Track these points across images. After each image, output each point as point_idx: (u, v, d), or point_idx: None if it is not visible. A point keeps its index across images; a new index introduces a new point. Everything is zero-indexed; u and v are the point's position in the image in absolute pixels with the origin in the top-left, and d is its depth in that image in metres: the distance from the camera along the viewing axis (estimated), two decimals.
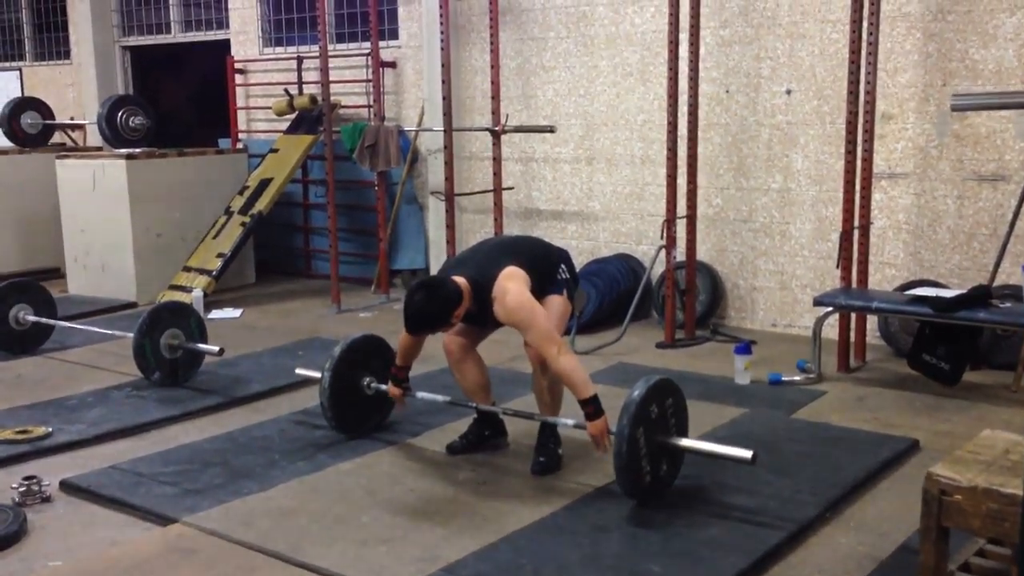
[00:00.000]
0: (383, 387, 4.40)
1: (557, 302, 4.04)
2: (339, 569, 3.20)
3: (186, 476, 4.04)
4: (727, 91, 6.49)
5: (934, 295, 4.97)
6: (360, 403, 4.46)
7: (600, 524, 3.52)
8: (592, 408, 3.74)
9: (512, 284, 3.83)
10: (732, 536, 3.40)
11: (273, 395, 5.22)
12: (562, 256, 4.20)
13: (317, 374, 4.52)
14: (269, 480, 3.99)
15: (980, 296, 4.90)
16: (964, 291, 5.00)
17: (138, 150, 8.06)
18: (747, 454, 3.58)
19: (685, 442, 3.73)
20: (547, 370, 3.91)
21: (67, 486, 3.97)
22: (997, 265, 5.33)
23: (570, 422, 3.93)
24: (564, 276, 4.12)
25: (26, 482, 3.84)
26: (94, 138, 9.75)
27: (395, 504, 3.75)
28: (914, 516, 2.90)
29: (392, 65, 8.13)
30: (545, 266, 4.07)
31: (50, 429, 4.59)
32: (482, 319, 3.98)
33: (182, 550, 3.36)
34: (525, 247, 4.17)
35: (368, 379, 4.44)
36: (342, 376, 4.38)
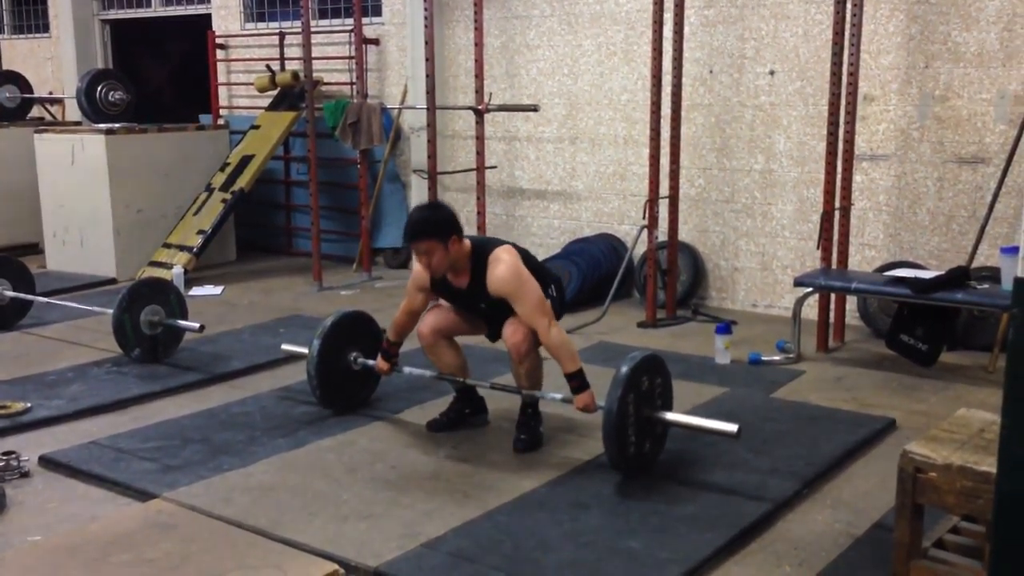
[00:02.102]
0: (370, 362, 4.40)
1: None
2: (319, 545, 3.21)
3: (166, 452, 4.03)
4: (711, 71, 6.49)
5: (913, 276, 5.00)
6: (346, 378, 4.46)
7: (580, 501, 3.54)
8: (578, 382, 3.79)
9: (508, 256, 3.87)
10: (710, 512, 3.43)
11: (254, 372, 5.21)
12: (555, 278, 4.19)
13: (304, 349, 4.52)
14: (249, 456, 3.99)
15: (958, 278, 4.94)
16: (942, 273, 5.03)
17: (117, 125, 7.99)
18: (732, 428, 3.63)
19: (671, 416, 3.76)
20: (524, 360, 3.93)
21: (46, 461, 3.96)
22: (976, 247, 5.38)
23: (557, 395, 3.95)
24: (553, 294, 4.08)
25: (4, 457, 3.83)
26: (73, 112, 9.66)
27: (376, 480, 3.76)
28: (890, 494, 2.93)
29: (375, 42, 8.07)
30: (538, 275, 4.04)
31: (29, 404, 4.57)
32: (473, 292, 3.96)
33: (162, 525, 3.36)
34: (522, 251, 4.15)
35: (355, 354, 4.43)
36: (330, 351, 4.37)
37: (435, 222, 3.86)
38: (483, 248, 3.93)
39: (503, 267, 3.83)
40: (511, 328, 3.92)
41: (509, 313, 3.94)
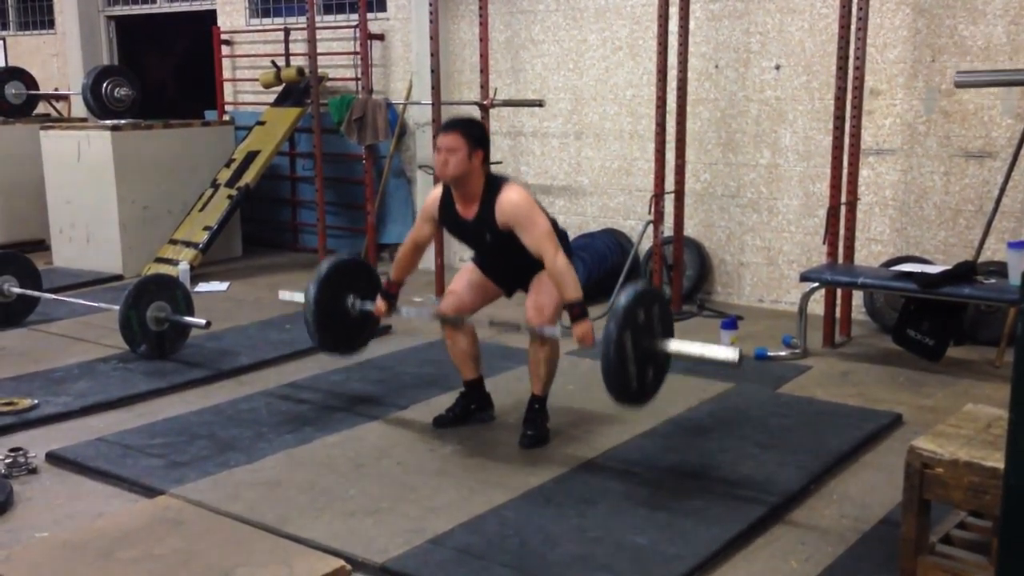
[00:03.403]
0: (368, 306, 4.35)
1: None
2: (326, 541, 3.22)
3: (173, 448, 4.04)
4: (716, 66, 6.47)
5: (919, 271, 4.99)
6: (345, 323, 4.40)
7: (586, 496, 3.54)
8: (579, 311, 3.78)
9: (520, 189, 3.92)
10: (717, 508, 3.43)
11: (260, 368, 5.22)
12: (559, 232, 4.16)
13: (302, 296, 4.45)
14: (256, 452, 3.99)
15: (965, 272, 4.92)
16: (949, 267, 5.02)
17: (123, 121, 7.99)
18: (733, 355, 3.56)
19: (671, 345, 3.70)
20: (545, 342, 3.94)
21: (53, 458, 3.97)
22: (982, 241, 5.36)
23: (556, 330, 3.93)
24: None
25: (12, 454, 3.84)
26: (79, 109, 9.65)
27: (383, 476, 3.76)
28: (897, 489, 2.93)
29: (380, 38, 8.07)
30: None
31: (36, 401, 4.58)
32: (480, 222, 3.93)
33: (169, 521, 3.36)
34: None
35: (353, 299, 4.38)
36: (327, 293, 4.31)
37: (471, 126, 3.97)
38: (496, 181, 3.95)
39: (515, 195, 3.86)
40: (533, 310, 3.94)
41: (516, 254, 3.91)
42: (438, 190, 4.10)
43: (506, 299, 4.31)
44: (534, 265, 3.97)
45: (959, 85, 5.16)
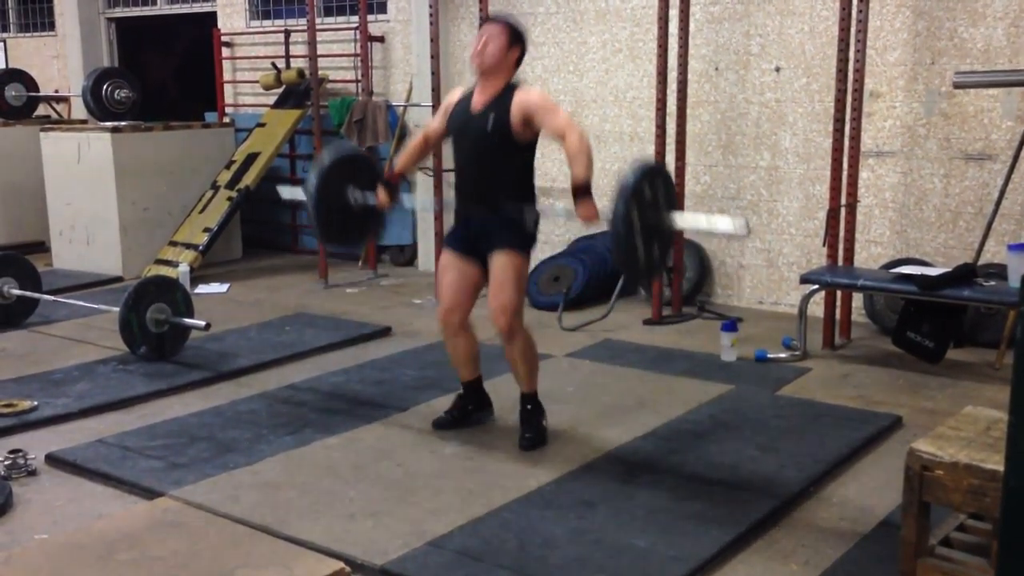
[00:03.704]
0: (371, 198, 4.30)
1: (516, 262, 3.96)
2: (325, 543, 3.21)
3: (173, 450, 4.04)
4: (716, 68, 6.48)
5: (919, 273, 4.99)
6: (347, 216, 4.35)
7: (586, 499, 3.54)
8: (584, 189, 3.77)
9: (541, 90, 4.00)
10: (716, 510, 3.43)
11: (260, 370, 5.22)
12: (537, 209, 4.12)
13: (302, 193, 4.41)
14: (256, 454, 3.99)
15: (965, 274, 4.92)
16: (949, 269, 5.02)
17: (123, 123, 8.00)
18: (737, 225, 3.56)
19: (676, 220, 3.71)
20: (513, 341, 3.94)
21: (53, 459, 3.97)
22: (982, 244, 5.36)
23: (560, 206, 3.94)
24: (530, 229, 4.03)
25: (11, 455, 3.84)
26: (79, 111, 9.66)
27: (382, 479, 3.76)
28: (896, 492, 2.93)
29: (380, 39, 8.07)
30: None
31: (35, 403, 4.58)
32: (486, 112, 3.91)
33: (168, 523, 3.36)
34: None
35: (355, 192, 4.33)
36: (329, 184, 4.26)
37: (518, 25, 4.00)
38: (518, 83, 3.98)
39: (537, 90, 3.95)
40: (497, 312, 3.91)
41: (502, 157, 3.91)
42: (460, 89, 4.16)
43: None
44: (509, 183, 3.95)
45: (957, 86, 5.17)
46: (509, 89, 3.93)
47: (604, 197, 7.17)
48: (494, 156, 3.94)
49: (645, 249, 3.60)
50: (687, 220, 3.69)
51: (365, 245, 4.54)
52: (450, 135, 4.15)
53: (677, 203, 3.82)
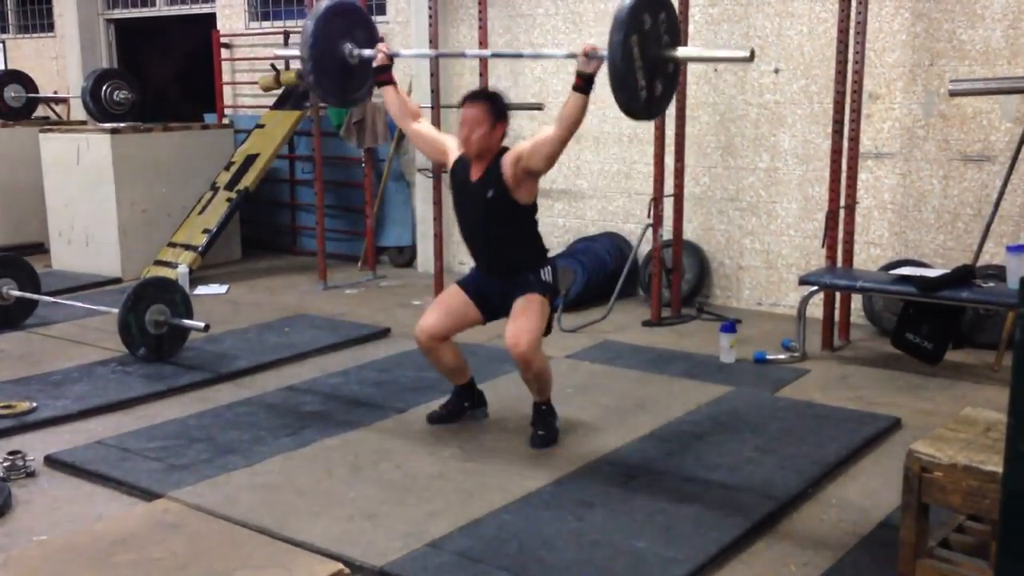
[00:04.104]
0: (366, 52, 4.28)
1: (537, 302, 4.01)
2: (324, 544, 3.21)
3: (172, 451, 4.03)
4: (715, 69, 6.48)
5: (918, 275, 4.99)
6: (342, 68, 4.33)
7: (585, 500, 3.54)
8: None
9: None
10: (716, 511, 3.43)
11: (259, 371, 5.22)
12: (551, 261, 4.19)
13: (297, 52, 4.39)
14: (255, 455, 3.99)
15: (964, 276, 4.93)
16: (948, 271, 5.02)
17: (123, 124, 7.99)
18: (743, 52, 3.48)
19: (681, 51, 3.61)
20: (531, 366, 3.93)
21: (52, 461, 3.97)
22: (981, 245, 5.36)
23: (560, 52, 3.90)
24: (547, 279, 4.10)
25: (10, 457, 3.84)
26: (78, 112, 9.67)
27: (381, 480, 3.76)
28: (895, 493, 2.93)
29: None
30: (541, 253, 4.15)
31: (34, 404, 4.58)
32: (484, 181, 3.98)
33: (168, 525, 3.36)
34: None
35: (351, 46, 4.30)
36: (324, 35, 4.23)
37: (496, 99, 4.02)
38: (505, 148, 4.02)
39: (515, 147, 3.97)
40: (513, 338, 3.90)
41: (507, 221, 3.97)
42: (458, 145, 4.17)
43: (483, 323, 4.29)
44: (520, 249, 4.02)
45: (953, 94, 5.17)
46: (498, 157, 3.98)
47: (602, 198, 7.17)
48: (499, 223, 4.02)
49: (647, 85, 3.51)
50: (691, 51, 3.56)
51: (360, 100, 4.52)
52: (452, 191, 4.21)
53: (680, 36, 3.66)
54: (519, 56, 4.49)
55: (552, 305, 4.12)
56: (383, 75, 4.27)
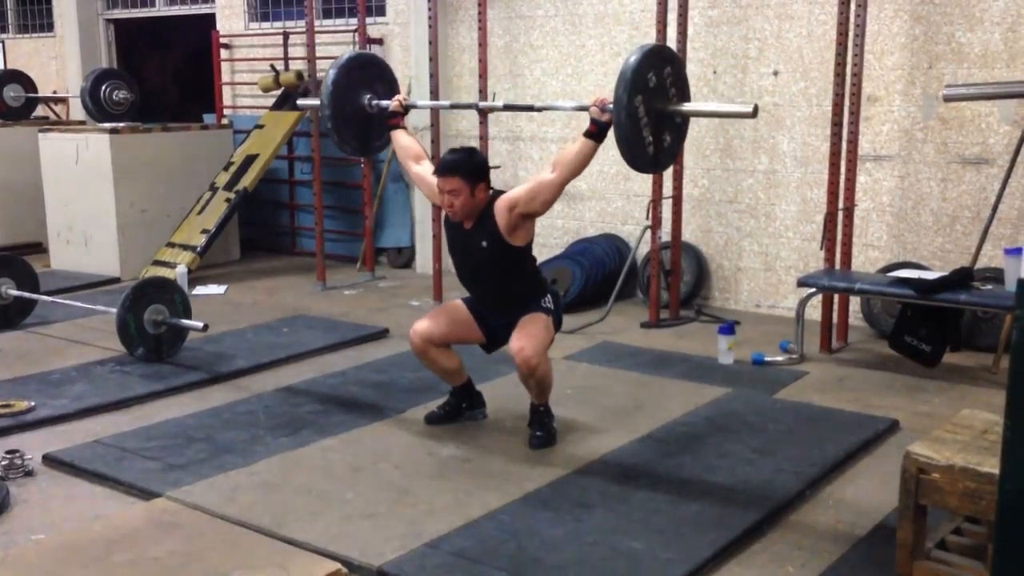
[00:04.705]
0: (384, 103, 4.44)
1: (542, 318, 4.04)
2: (322, 544, 3.21)
3: (170, 451, 4.03)
4: (714, 72, 6.49)
5: (916, 277, 5.00)
6: (361, 119, 4.48)
7: (583, 501, 3.54)
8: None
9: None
10: (713, 513, 3.43)
11: (257, 371, 5.22)
12: (553, 291, 4.20)
13: (317, 101, 4.54)
14: (253, 455, 3.99)
15: (962, 278, 4.93)
16: (946, 273, 5.03)
17: (122, 124, 7.99)
18: (747, 108, 3.52)
19: (686, 106, 3.65)
20: (535, 371, 3.94)
21: (50, 460, 3.97)
22: (979, 248, 5.37)
23: (569, 104, 3.93)
24: (549, 305, 4.11)
25: (9, 456, 3.84)
26: (77, 112, 9.67)
27: (379, 480, 3.76)
28: (893, 494, 2.93)
29: (379, 42, 8.08)
30: (539, 282, 4.16)
31: (33, 403, 4.57)
32: (477, 230, 3.99)
33: (165, 524, 3.36)
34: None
35: (370, 96, 4.46)
36: (344, 86, 4.38)
37: (469, 163, 3.95)
38: (495, 195, 4.01)
39: (508, 193, 3.96)
40: (518, 343, 3.91)
41: (505, 268, 3.99)
42: None
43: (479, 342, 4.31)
44: (519, 287, 4.03)
45: (948, 99, 5.18)
46: (489, 205, 3.98)
47: (601, 200, 7.18)
48: (496, 268, 4.04)
49: (655, 139, 3.53)
50: (697, 106, 3.62)
51: (379, 150, 4.63)
52: (445, 234, 4.21)
53: (688, 90, 3.70)
54: (530, 109, 4.61)
55: (557, 327, 4.12)
56: (395, 119, 4.42)
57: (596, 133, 3.71)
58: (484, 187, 3.96)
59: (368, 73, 4.54)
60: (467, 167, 3.93)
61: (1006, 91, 5.13)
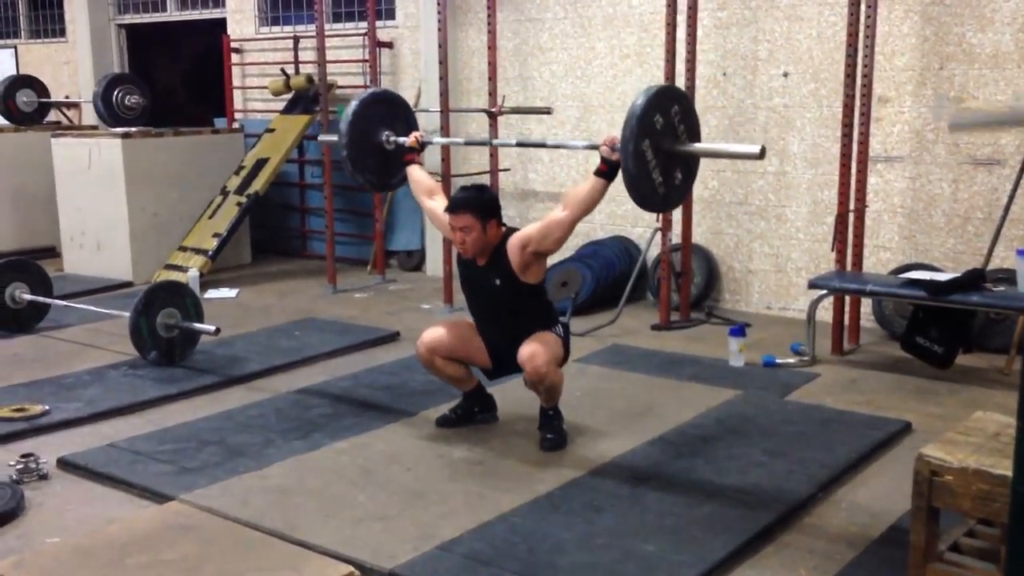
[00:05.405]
0: (402, 139, 4.51)
1: (552, 335, 4.06)
2: (335, 547, 3.22)
3: (183, 454, 4.05)
4: (724, 73, 6.48)
5: (928, 278, 4.99)
6: (379, 155, 4.55)
7: (594, 503, 3.54)
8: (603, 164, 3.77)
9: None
10: (725, 515, 3.43)
11: (269, 375, 5.23)
12: (562, 322, 4.21)
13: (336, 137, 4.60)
14: (265, 458, 4.01)
15: (974, 280, 4.92)
16: (958, 275, 5.02)
17: (134, 129, 8.04)
18: (755, 149, 3.51)
19: (695, 147, 3.65)
20: (544, 379, 3.95)
21: (64, 464, 3.99)
22: (991, 249, 5.35)
23: (580, 144, 3.91)
24: (560, 333, 4.13)
25: (23, 460, 3.86)
26: (89, 117, 9.72)
27: (391, 483, 3.77)
28: (905, 497, 2.93)
29: (389, 45, 8.10)
30: (549, 312, 4.19)
31: (47, 407, 4.60)
32: (490, 266, 4.01)
33: (179, 527, 3.38)
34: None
35: (388, 133, 4.53)
36: (363, 122, 4.46)
37: (480, 200, 3.98)
38: (508, 233, 4.03)
39: (520, 231, 3.98)
40: (528, 350, 3.92)
41: (516, 305, 4.01)
42: None
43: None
44: (531, 324, 4.04)
45: (953, 130, 5.18)
46: (503, 243, 3.99)
47: (611, 202, 7.18)
48: (508, 305, 4.06)
49: (664, 179, 3.54)
50: (705, 147, 3.62)
51: (397, 186, 4.68)
52: (458, 270, 4.22)
53: (697, 125, 3.71)
54: (543, 146, 4.68)
55: (565, 353, 4.13)
56: (411, 155, 4.48)
57: (607, 172, 3.74)
58: (496, 224, 3.99)
59: (388, 110, 4.58)
60: (478, 204, 3.96)
61: (1012, 118, 5.11)
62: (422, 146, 4.53)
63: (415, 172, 4.47)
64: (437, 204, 4.29)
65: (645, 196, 3.56)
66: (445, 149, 6.83)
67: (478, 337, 4.21)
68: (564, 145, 4.38)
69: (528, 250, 3.93)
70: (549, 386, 3.99)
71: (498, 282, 4.01)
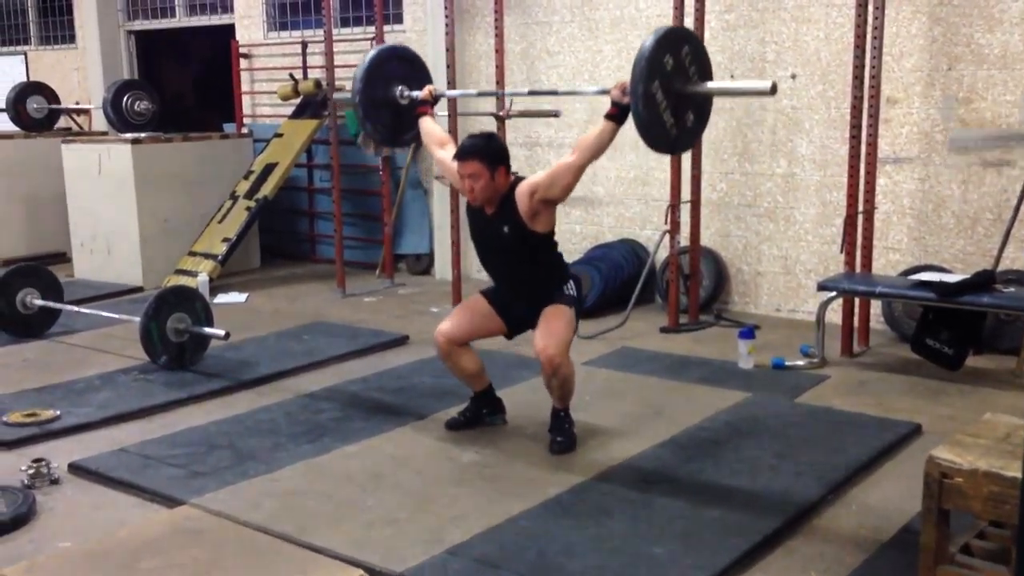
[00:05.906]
0: (416, 93, 4.52)
1: (566, 311, 4.05)
2: (345, 551, 3.23)
3: (193, 458, 4.07)
4: (732, 75, 6.47)
5: (938, 280, 4.97)
6: (392, 110, 4.56)
7: (604, 506, 3.54)
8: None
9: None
10: (735, 518, 3.43)
11: (279, 379, 5.25)
12: (574, 276, 4.22)
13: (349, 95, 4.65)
14: (275, 462, 4.02)
15: (984, 281, 4.91)
16: (968, 276, 5.00)
17: (143, 135, 8.07)
18: (766, 85, 3.49)
19: (706, 86, 3.63)
20: (558, 371, 3.95)
21: (75, 468, 4.01)
22: (1001, 250, 5.34)
23: (591, 89, 3.92)
24: (572, 292, 4.14)
25: (35, 464, 3.88)
26: (99, 122, 9.76)
27: (401, 486, 3.78)
28: (916, 499, 2.92)
29: None
30: (562, 270, 4.18)
31: (58, 412, 4.62)
32: (498, 216, 4.01)
33: (189, 531, 3.39)
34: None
35: (401, 88, 4.55)
36: (376, 77, 4.47)
37: (487, 147, 3.99)
38: (516, 181, 4.04)
39: (529, 179, 4.00)
40: (542, 342, 3.93)
41: (527, 254, 4.02)
42: None
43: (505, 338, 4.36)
44: (541, 273, 4.04)
45: (953, 150, 5.18)
46: (511, 191, 4.01)
47: (619, 205, 7.16)
48: (518, 254, 4.06)
49: (676, 121, 3.52)
50: (717, 85, 3.63)
51: (409, 143, 4.71)
52: (468, 221, 4.23)
53: (709, 65, 3.69)
54: (554, 93, 4.69)
55: (578, 316, 4.14)
56: (424, 107, 4.50)
57: (617, 115, 3.74)
58: (504, 171, 3.99)
59: (406, 68, 4.62)
60: (486, 151, 3.97)
61: (1013, 134, 5.11)
62: (435, 99, 4.54)
63: (427, 123, 4.49)
64: (448, 153, 4.29)
65: (656, 138, 3.55)
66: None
67: (489, 306, 4.21)
68: (575, 92, 4.40)
69: (536, 197, 3.93)
70: (562, 379, 4.00)
71: (506, 230, 4.00)
